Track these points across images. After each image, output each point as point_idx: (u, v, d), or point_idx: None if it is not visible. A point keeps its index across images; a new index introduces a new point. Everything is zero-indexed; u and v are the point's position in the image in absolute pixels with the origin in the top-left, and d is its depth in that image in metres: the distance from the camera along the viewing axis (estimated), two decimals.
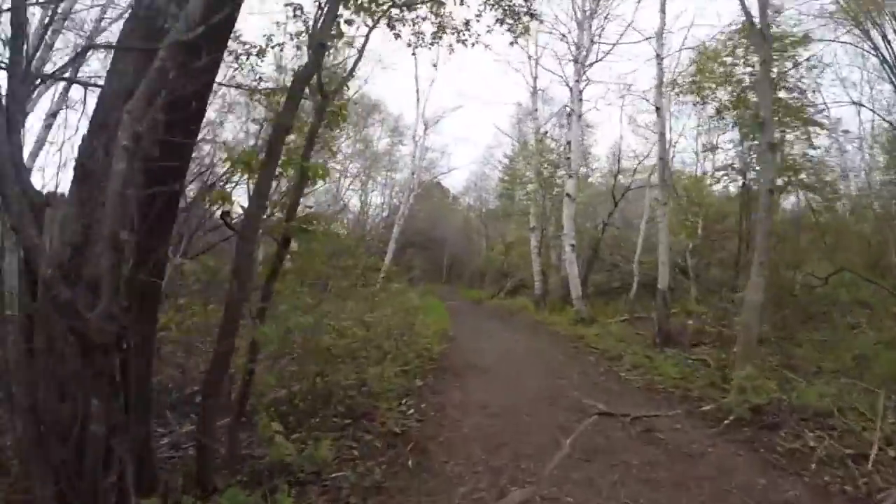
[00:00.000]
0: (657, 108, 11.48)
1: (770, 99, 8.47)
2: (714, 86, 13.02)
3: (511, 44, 9.16)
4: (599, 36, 17.34)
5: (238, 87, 9.32)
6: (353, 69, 6.68)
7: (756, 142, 12.57)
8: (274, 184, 4.47)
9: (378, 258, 20.48)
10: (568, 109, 17.83)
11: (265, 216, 4.34)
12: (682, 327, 11.27)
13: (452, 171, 48.95)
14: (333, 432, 4.99)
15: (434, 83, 27.10)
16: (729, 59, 12.85)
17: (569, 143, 18.12)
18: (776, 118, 11.47)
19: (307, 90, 4.28)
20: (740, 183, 15.02)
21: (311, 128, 4.63)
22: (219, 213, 4.57)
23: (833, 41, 13.42)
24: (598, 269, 20.09)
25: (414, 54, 9.70)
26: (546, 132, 22.90)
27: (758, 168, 12.26)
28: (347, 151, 29.99)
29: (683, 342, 10.69)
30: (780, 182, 12.27)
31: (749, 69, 12.27)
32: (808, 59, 12.70)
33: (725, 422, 5.96)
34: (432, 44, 8.58)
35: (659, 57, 12.26)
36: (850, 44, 13.94)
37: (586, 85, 17.06)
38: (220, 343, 3.52)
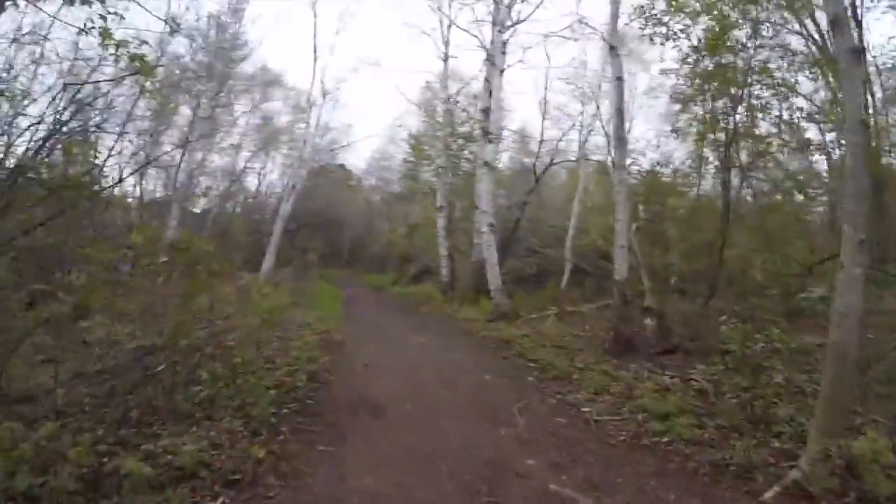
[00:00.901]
0: (612, 48, 8.51)
1: None
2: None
3: None
4: None
5: None
6: None
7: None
8: None
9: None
10: (486, 64, 14.69)
11: None
12: (639, 328, 8.44)
13: (355, 145, 44.60)
14: None
15: (335, 50, 23.39)
16: None
17: (486, 109, 15.07)
18: None
19: None
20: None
21: None
22: None
23: None
24: (513, 254, 17.14)
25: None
26: (457, 101, 19.70)
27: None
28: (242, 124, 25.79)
29: (644, 349, 7.86)
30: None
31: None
32: None
33: None
34: None
35: None
36: None
37: (511, 34, 13.99)
38: None
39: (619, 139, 8.12)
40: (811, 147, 11.50)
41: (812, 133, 11.84)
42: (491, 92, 14.03)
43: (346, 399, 5.79)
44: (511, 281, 15.85)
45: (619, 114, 8.15)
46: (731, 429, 4.79)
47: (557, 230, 17.51)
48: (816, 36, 11.54)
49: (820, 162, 14.31)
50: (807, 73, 10.50)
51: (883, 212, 9.73)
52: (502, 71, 12.69)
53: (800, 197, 13.69)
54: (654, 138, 17.00)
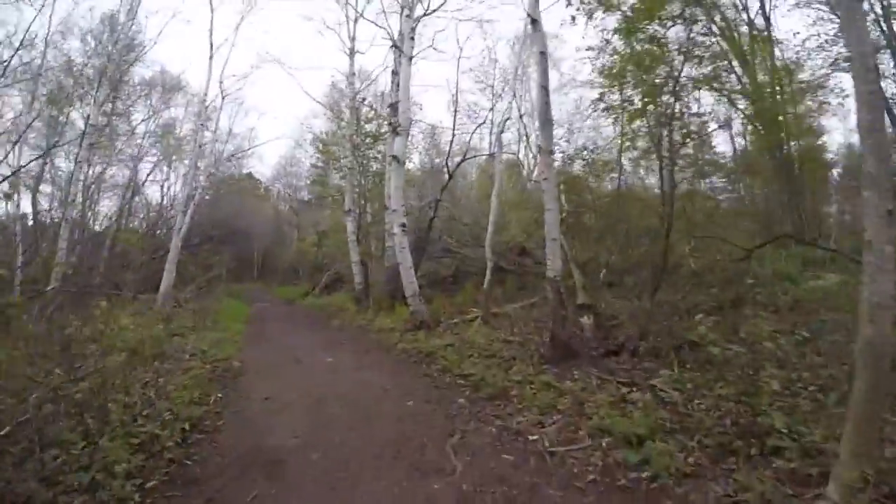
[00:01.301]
0: (534, 21, 7.41)
1: None
2: None
3: None
4: None
5: None
6: None
7: None
8: None
9: None
10: (394, 53, 13.46)
11: None
12: (575, 329, 7.37)
13: (259, 151, 42.12)
14: None
15: (234, 48, 21.40)
16: None
17: (394, 104, 13.82)
18: None
19: None
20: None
21: None
22: None
23: None
24: (428, 256, 15.87)
25: None
26: (363, 98, 18.29)
27: None
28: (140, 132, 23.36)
29: (585, 353, 6.79)
30: None
31: None
32: None
33: None
34: None
35: None
36: None
37: (420, 17, 12.75)
38: None
39: (545, 120, 7.02)
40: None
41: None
42: (399, 84, 12.76)
43: (236, 453, 4.33)
44: (428, 284, 14.62)
45: (544, 92, 7.06)
46: (720, 448, 3.75)
47: (474, 228, 16.43)
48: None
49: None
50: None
51: None
52: (411, 59, 11.45)
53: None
54: (570, 125, 16.17)
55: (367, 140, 17.36)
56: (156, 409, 4.93)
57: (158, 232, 24.31)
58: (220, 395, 6.04)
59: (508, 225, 16.86)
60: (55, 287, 14.62)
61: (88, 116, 16.63)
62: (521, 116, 17.67)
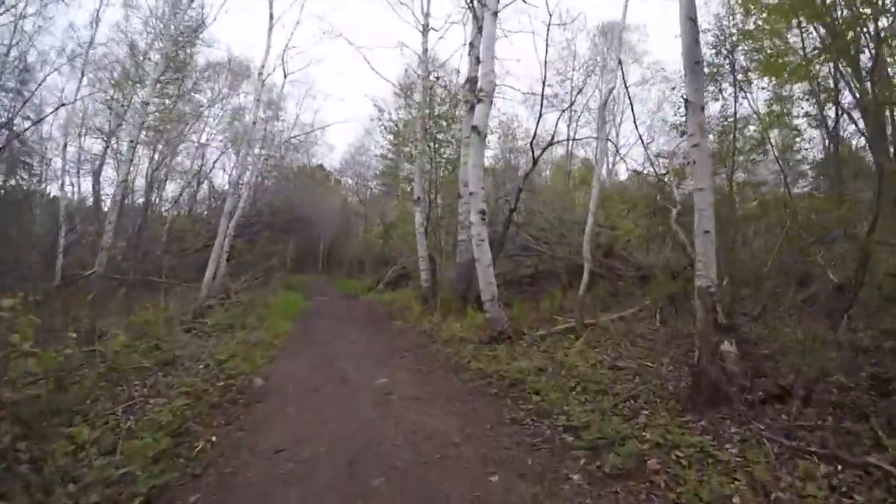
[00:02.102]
0: None
1: None
2: None
3: None
4: None
5: None
6: None
7: None
8: None
9: None
10: (473, 20, 11.67)
11: None
12: (716, 360, 5.32)
13: (325, 135, 40.98)
14: None
15: (298, 24, 20.18)
16: None
17: (472, 79, 12.04)
18: None
19: None
20: None
21: None
22: None
23: None
24: (505, 253, 13.93)
25: None
26: (437, 76, 16.53)
27: None
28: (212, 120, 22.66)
29: (734, 395, 4.77)
30: None
31: None
32: None
33: None
34: None
35: None
36: None
37: None
38: None
39: (694, 64, 5.01)
40: None
41: None
42: (478, 55, 10.91)
43: None
44: (503, 284, 12.75)
45: (692, 25, 5.02)
46: None
47: (556, 224, 14.39)
48: None
49: None
50: None
51: None
52: (496, 13, 9.54)
53: None
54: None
55: (441, 122, 15.55)
56: (126, 453, 3.31)
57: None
58: (212, 439, 4.32)
59: (614, 220, 14.80)
60: (95, 271, 13.63)
61: (147, 102, 15.66)
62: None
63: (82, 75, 17.05)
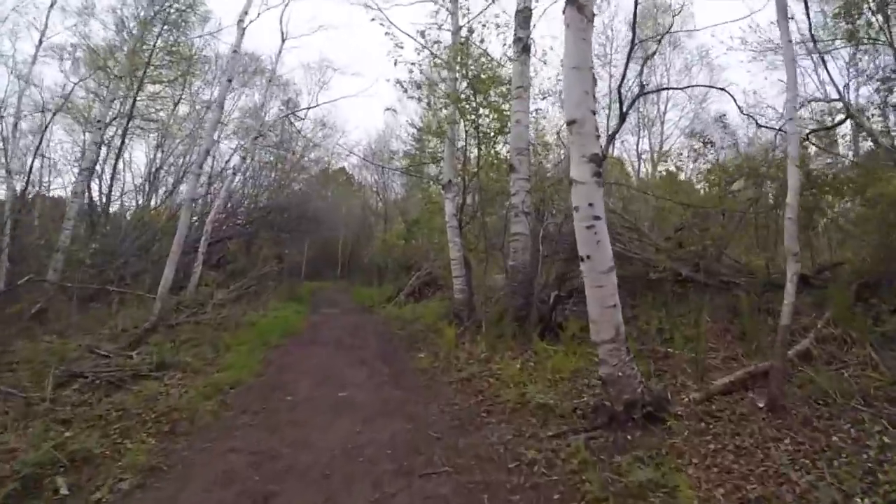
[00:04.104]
0: None
1: None
2: None
3: None
4: None
5: None
6: None
7: None
8: None
9: None
10: None
11: None
12: None
13: (350, 136, 36.95)
14: None
15: None
16: None
17: (524, 9, 8.01)
18: None
19: None
20: None
21: None
22: None
23: None
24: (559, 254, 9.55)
25: None
26: (471, 31, 12.17)
27: None
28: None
29: None
30: None
31: None
32: None
33: None
34: None
35: None
36: None
37: None
38: None
39: None
40: None
41: None
42: None
43: None
44: (575, 296, 8.50)
45: None
46: None
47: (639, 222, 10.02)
48: None
49: None
50: None
51: None
52: None
53: None
54: None
55: (480, 82, 11.21)
56: None
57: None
58: None
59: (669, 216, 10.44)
60: (31, 278, 10.01)
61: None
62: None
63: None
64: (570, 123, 4.08)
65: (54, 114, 13.90)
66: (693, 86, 12.11)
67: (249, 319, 11.09)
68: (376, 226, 32.21)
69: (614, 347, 4.02)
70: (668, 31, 11.94)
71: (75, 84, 14.18)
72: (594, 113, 4.12)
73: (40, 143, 13.83)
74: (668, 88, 14.32)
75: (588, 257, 4.02)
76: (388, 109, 22.33)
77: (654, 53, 12.60)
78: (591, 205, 4.01)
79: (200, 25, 15.67)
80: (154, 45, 14.29)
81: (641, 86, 8.96)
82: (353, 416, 4.82)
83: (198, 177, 11.25)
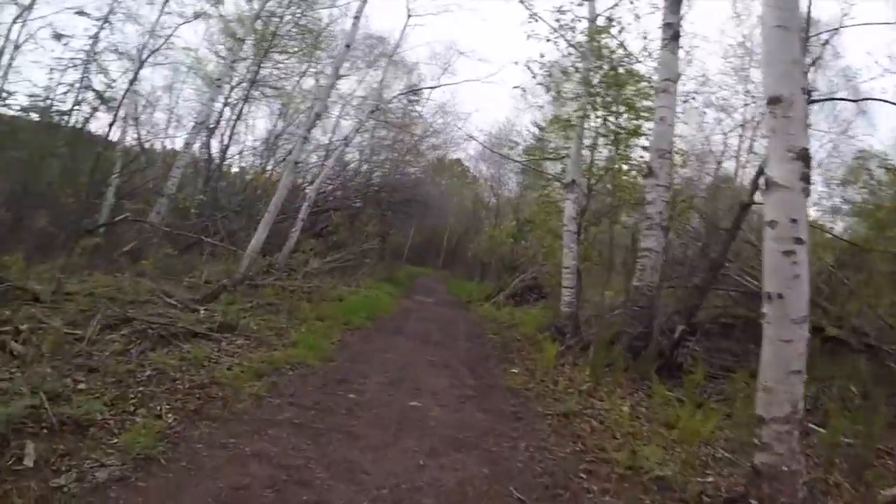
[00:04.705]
0: None
1: None
2: None
3: None
4: None
5: None
6: None
7: None
8: None
9: None
10: None
11: None
12: None
13: (467, 130, 35.84)
14: None
15: None
16: None
17: None
18: None
19: None
20: None
21: None
22: None
23: None
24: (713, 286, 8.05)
25: None
26: (610, 19, 10.73)
27: None
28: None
29: None
30: None
31: None
32: None
33: None
34: None
35: None
36: None
37: None
38: None
39: None
40: None
41: None
42: None
43: None
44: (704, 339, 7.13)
45: None
46: None
47: None
48: None
49: None
50: None
51: None
52: None
53: None
54: None
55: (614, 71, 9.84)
56: None
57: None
58: None
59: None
60: (127, 217, 10.12)
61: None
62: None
63: None
64: (771, 102, 2.89)
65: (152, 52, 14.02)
66: (867, 98, 9.87)
67: (338, 294, 10.61)
68: (486, 220, 31.38)
69: (787, 430, 2.81)
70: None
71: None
72: (807, 93, 2.92)
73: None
74: (839, 99, 12.06)
75: (779, 296, 2.80)
76: (516, 87, 21.22)
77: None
78: (793, 221, 2.80)
79: None
80: (282, 17, 14.25)
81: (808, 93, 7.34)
82: (419, 440, 3.91)
83: (304, 139, 10.86)
